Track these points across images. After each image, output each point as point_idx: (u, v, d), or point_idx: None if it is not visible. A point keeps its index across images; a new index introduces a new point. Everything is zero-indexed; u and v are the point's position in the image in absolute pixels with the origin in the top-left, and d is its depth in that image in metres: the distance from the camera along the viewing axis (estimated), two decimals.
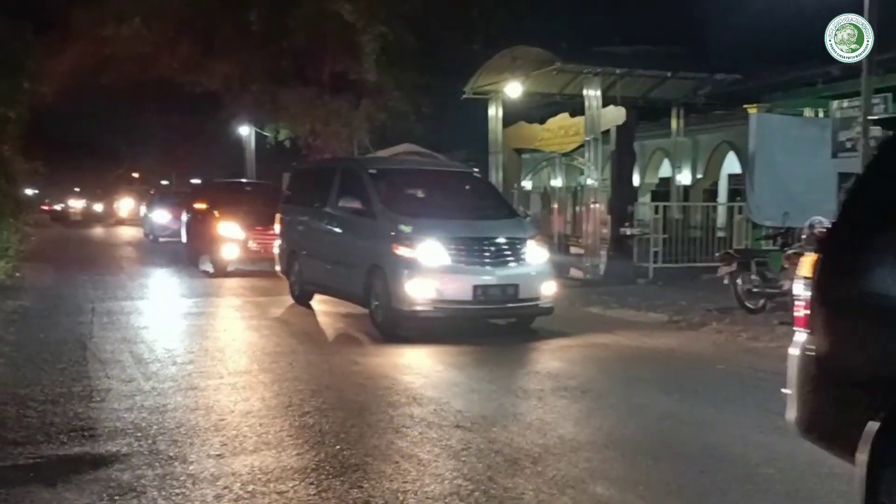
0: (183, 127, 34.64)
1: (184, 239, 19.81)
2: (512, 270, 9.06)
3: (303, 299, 11.57)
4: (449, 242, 8.93)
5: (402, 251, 8.92)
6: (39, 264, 16.33)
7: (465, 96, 17.41)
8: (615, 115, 15.02)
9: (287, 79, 23.39)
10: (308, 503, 4.25)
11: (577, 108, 16.30)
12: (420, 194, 10.59)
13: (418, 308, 8.75)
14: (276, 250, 12.62)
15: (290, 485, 4.48)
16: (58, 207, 52.16)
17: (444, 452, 5.08)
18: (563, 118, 16.93)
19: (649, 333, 9.72)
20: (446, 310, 8.87)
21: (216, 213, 16.05)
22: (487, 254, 9.05)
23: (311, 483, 4.50)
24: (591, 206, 15.18)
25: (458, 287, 8.80)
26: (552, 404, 6.33)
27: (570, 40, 17.11)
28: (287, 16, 20.97)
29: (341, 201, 10.19)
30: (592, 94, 15.11)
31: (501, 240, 9.26)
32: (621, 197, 14.72)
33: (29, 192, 26.88)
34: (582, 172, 17.10)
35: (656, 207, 15.97)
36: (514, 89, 16.35)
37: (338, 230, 10.44)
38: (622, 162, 14.86)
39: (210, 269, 16.06)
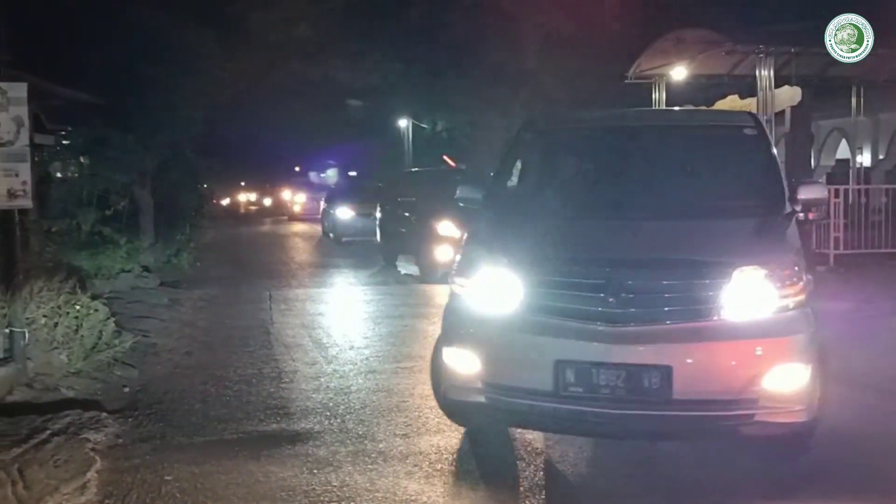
0: (343, 120, 35.67)
1: (378, 238, 16.50)
2: (667, 332, 4.17)
3: None
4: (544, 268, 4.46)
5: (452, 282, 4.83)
6: (216, 255, 17.26)
7: (626, 81, 17.03)
8: (790, 96, 14.26)
9: (445, 71, 23.70)
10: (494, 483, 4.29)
11: (746, 89, 15.59)
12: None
13: (454, 397, 4.64)
14: None
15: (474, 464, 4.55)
16: (224, 202, 51.25)
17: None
18: (732, 100, 16.22)
19: (835, 322, 9.14)
20: (510, 405, 4.40)
21: (425, 206, 13.29)
22: (615, 296, 4.20)
23: None
24: None
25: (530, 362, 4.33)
26: None
27: (735, 18, 16.39)
28: (447, 10, 21.23)
29: None
30: (765, 75, 14.36)
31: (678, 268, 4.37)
32: (798, 180, 13.99)
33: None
34: None
35: (836, 191, 15.05)
36: (679, 72, 15.85)
37: None
38: (798, 144, 14.11)
39: (415, 271, 13.73)
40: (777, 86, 14.40)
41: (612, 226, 4.79)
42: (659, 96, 17.25)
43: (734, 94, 16.38)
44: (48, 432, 5.07)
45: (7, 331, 6.07)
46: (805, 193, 4.82)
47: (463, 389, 4.47)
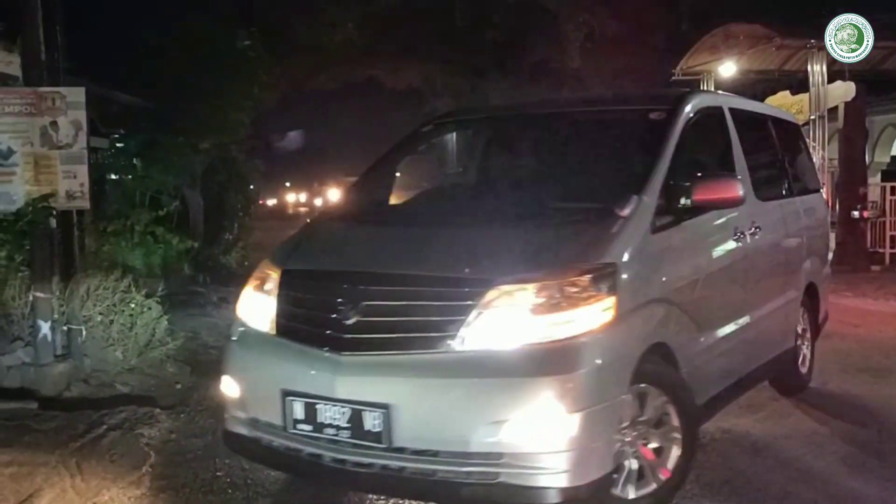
0: (386, 122, 35.85)
1: None
2: (394, 363, 3.46)
3: None
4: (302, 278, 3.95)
5: None
6: (263, 255, 17.44)
7: (674, 78, 16.85)
8: (843, 91, 13.98)
9: (487, 71, 23.68)
10: None
11: (797, 84, 15.33)
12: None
13: (226, 426, 4.05)
14: None
15: None
16: (270, 203, 51.58)
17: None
18: (782, 96, 15.96)
19: (891, 323, 8.97)
20: (256, 439, 3.83)
21: None
22: (347, 317, 3.55)
23: None
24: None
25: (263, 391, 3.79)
26: (786, 400, 5.97)
27: (784, 12, 16.12)
28: (490, 11, 21.24)
29: None
30: (817, 70, 14.12)
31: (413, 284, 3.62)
32: (851, 178, 13.70)
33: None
34: None
35: (892, 188, 14.71)
36: (728, 68, 15.64)
37: None
38: (852, 140, 13.84)
39: None
40: (830, 81, 14.14)
41: (402, 234, 4.07)
42: None
43: (785, 89, 16.13)
44: (104, 427, 5.21)
45: (65, 328, 6.24)
46: (702, 193, 3.97)
47: (230, 418, 3.91)
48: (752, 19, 14.93)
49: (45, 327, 6.08)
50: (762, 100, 17.41)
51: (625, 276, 3.52)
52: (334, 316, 3.50)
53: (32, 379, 5.97)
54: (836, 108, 14.18)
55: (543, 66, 22.76)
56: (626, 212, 3.70)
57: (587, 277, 3.39)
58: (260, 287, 3.96)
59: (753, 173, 5.01)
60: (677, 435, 3.78)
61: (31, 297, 6.16)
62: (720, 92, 5.61)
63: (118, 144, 10.35)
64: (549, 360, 3.25)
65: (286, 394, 3.54)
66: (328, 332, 3.51)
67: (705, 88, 16.87)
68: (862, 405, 5.79)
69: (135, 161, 9.38)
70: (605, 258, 3.51)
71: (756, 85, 17.62)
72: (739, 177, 4.32)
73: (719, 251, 4.50)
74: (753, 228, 4.82)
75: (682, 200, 3.98)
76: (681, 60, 16.59)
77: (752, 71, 16.53)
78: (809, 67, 14.21)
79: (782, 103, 16.01)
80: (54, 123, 6.24)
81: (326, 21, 21.43)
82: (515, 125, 5.27)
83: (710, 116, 4.82)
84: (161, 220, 9.40)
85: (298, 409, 3.51)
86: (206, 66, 10.88)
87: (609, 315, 3.38)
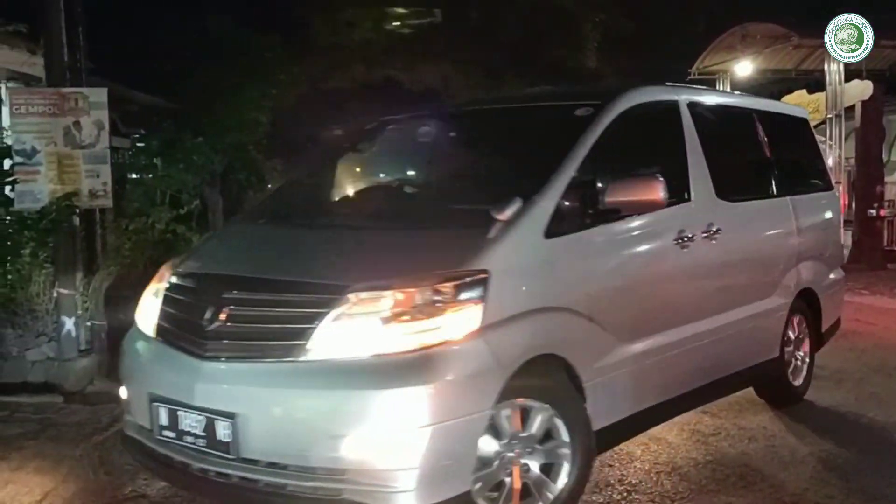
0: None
1: None
2: (247, 372, 3.34)
3: None
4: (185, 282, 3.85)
5: None
6: None
7: (690, 77, 16.84)
8: (860, 90, 13.93)
9: (503, 71, 23.70)
10: None
11: (814, 84, 15.27)
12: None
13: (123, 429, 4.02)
14: None
15: None
16: None
17: (693, 436, 4.99)
18: (799, 95, 15.91)
19: None
20: (133, 442, 3.80)
21: None
22: (211, 321, 3.44)
23: None
24: (834, 185, 14.17)
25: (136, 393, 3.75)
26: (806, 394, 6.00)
27: (798, 12, 16.09)
28: (506, 11, 21.27)
29: None
30: (834, 69, 14.07)
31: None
32: (868, 176, 13.66)
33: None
34: None
35: None
36: (744, 68, 15.64)
37: None
38: (869, 139, 13.78)
39: None
40: (847, 80, 14.09)
41: (284, 236, 4.04)
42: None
43: (802, 89, 16.08)
44: None
45: (89, 324, 6.35)
46: (617, 194, 3.75)
47: (125, 420, 3.86)
48: (768, 19, 14.89)
49: (68, 323, 6.19)
50: (778, 99, 17.49)
51: (500, 283, 3.30)
52: (199, 321, 3.40)
53: (56, 374, 6.09)
54: (853, 106, 14.12)
55: (560, 66, 22.76)
56: (504, 215, 3.43)
57: (449, 285, 3.18)
58: (154, 288, 3.88)
59: (719, 172, 4.68)
60: (567, 451, 3.53)
61: (55, 294, 6.28)
62: (679, 85, 5.24)
63: (139, 144, 10.46)
64: (397, 372, 3.06)
65: (153, 399, 3.47)
66: (193, 336, 3.42)
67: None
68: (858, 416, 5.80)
69: (155, 160, 9.47)
70: (475, 265, 3.29)
71: (773, 84, 17.58)
72: (660, 177, 3.81)
73: (649, 256, 4.18)
74: (710, 231, 4.50)
75: (594, 203, 3.75)
76: (697, 60, 16.56)
77: (768, 70, 16.50)
78: (826, 66, 14.16)
79: (799, 102, 15.97)
80: (77, 123, 6.35)
81: (345, 21, 21.56)
82: (443, 124, 5.02)
83: (658, 112, 4.57)
84: (181, 218, 9.48)
85: (163, 415, 3.42)
86: (225, 66, 10.98)
87: (473, 325, 3.18)
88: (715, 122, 4.99)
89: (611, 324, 3.83)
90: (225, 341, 3.33)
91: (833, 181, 6.85)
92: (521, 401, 3.42)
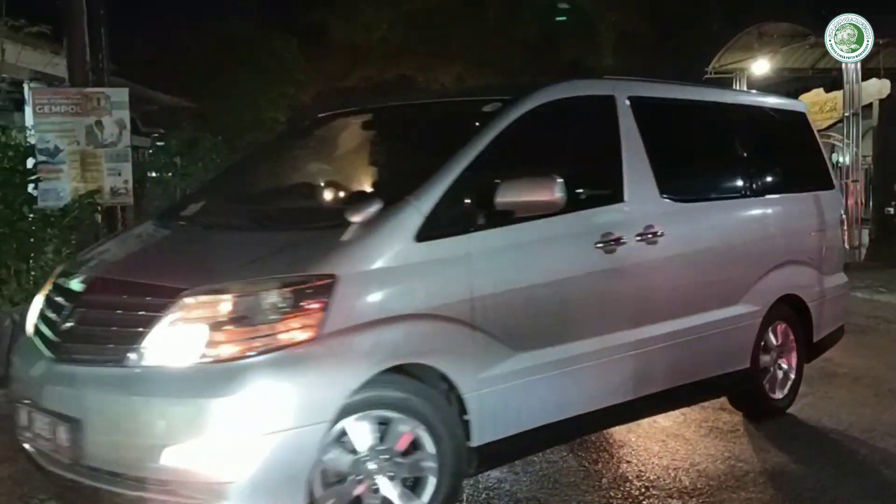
0: None
1: None
2: (88, 375, 3.18)
3: None
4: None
5: None
6: None
7: (706, 76, 16.83)
8: (877, 88, 13.91)
9: (520, 71, 23.73)
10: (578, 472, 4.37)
11: (831, 82, 15.22)
12: None
13: None
14: None
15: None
16: None
17: (711, 433, 5.01)
18: (816, 94, 15.90)
19: None
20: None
21: None
22: (66, 321, 3.38)
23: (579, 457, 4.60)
24: (851, 184, 14.14)
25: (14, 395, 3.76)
26: (822, 390, 5.98)
27: (814, 10, 16.05)
28: (522, 10, 21.32)
29: None
30: (851, 67, 14.02)
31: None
32: (885, 175, 13.59)
33: None
34: (834, 150, 15.95)
35: None
36: (761, 66, 15.62)
37: None
38: (886, 137, 13.72)
39: None
40: (864, 78, 14.04)
41: (155, 235, 3.95)
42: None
43: (819, 87, 16.04)
44: None
45: None
46: (507, 195, 3.51)
47: None
48: (785, 17, 14.86)
49: None
50: (795, 97, 17.43)
51: (352, 288, 3.13)
52: (57, 321, 3.33)
53: None
54: (870, 105, 14.07)
55: (576, 66, 22.79)
56: (360, 217, 3.24)
57: (289, 290, 3.02)
58: (44, 287, 3.78)
59: (668, 171, 4.40)
60: (432, 464, 3.33)
61: None
62: (621, 78, 4.73)
63: (159, 143, 10.58)
64: (220, 380, 2.90)
65: (18, 398, 3.41)
66: (51, 337, 3.34)
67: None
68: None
69: (175, 159, 9.59)
70: (321, 268, 3.12)
71: (789, 83, 17.55)
72: (559, 178, 3.55)
73: (556, 261, 3.84)
74: (648, 233, 4.18)
75: (486, 204, 3.51)
76: (713, 59, 16.56)
77: (785, 69, 16.47)
78: (843, 65, 14.11)
79: (816, 101, 15.96)
80: (99, 123, 6.45)
81: (362, 21, 21.67)
82: (363, 122, 4.82)
83: (586, 107, 4.31)
84: None
85: (23, 416, 3.33)
86: (245, 67, 11.09)
87: (314, 332, 3.01)
88: (669, 118, 4.72)
89: (503, 332, 3.57)
90: (74, 343, 3.22)
91: (836, 180, 6.22)
92: (379, 412, 3.22)
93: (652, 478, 4.28)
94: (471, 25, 22.96)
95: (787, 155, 5.61)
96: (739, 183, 5.09)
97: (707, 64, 16.73)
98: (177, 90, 11.54)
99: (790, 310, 5.27)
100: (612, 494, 4.07)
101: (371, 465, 3.22)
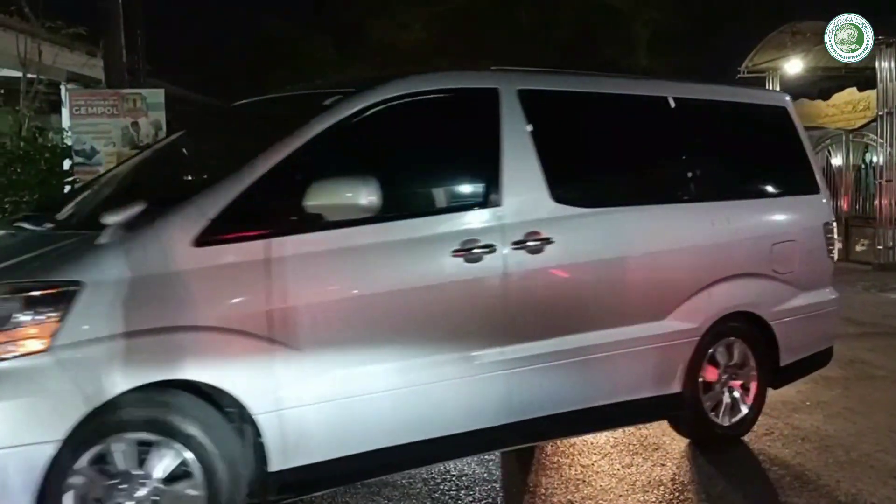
0: None
1: None
2: None
3: None
4: None
5: None
6: None
7: (739, 76, 16.67)
8: None
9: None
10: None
11: (864, 81, 15.02)
12: None
13: None
14: None
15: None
16: None
17: (745, 436, 4.96)
18: (849, 93, 15.73)
19: None
20: None
21: None
22: None
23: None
24: (885, 184, 13.95)
25: None
26: (859, 393, 5.92)
27: (848, 9, 15.86)
28: (556, 9, 21.30)
29: None
30: (885, 66, 13.83)
31: None
32: None
33: None
34: (867, 149, 15.73)
35: None
36: (794, 65, 15.45)
37: None
38: None
39: None
40: None
41: (8, 235, 3.65)
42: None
43: (852, 86, 15.83)
44: None
45: None
46: (315, 198, 3.19)
47: None
48: (819, 16, 14.69)
49: None
50: (828, 97, 17.25)
51: (103, 296, 2.88)
52: None
53: None
54: None
55: (611, 65, 22.70)
56: (117, 219, 2.97)
57: (17, 297, 2.82)
58: None
59: (568, 173, 4.04)
60: (200, 493, 3.02)
61: None
62: (512, 69, 4.22)
63: None
64: None
65: None
66: None
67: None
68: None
69: None
70: (65, 274, 2.87)
71: (823, 82, 17.35)
72: (371, 180, 3.23)
73: (391, 270, 3.44)
74: (529, 241, 3.73)
75: (297, 206, 3.19)
76: (746, 58, 16.44)
77: (818, 68, 16.26)
78: (877, 64, 13.92)
79: (849, 100, 15.79)
80: (135, 124, 6.54)
81: (397, 22, 21.77)
82: (226, 117, 4.56)
83: (457, 101, 3.88)
84: None
85: None
86: (280, 67, 11.17)
87: (42, 343, 2.77)
88: (574, 114, 4.27)
89: (314, 348, 3.23)
90: None
91: (822, 183, 5.28)
92: (136, 435, 2.94)
93: (685, 481, 4.25)
94: (505, 25, 22.97)
95: (748, 155, 4.99)
96: (669, 187, 4.54)
97: (741, 62, 16.61)
98: (212, 90, 11.65)
99: (750, 327, 4.70)
100: (647, 498, 4.03)
101: (132, 492, 2.93)
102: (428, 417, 3.55)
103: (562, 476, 4.29)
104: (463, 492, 4.06)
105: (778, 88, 16.75)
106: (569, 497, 4.01)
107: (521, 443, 4.05)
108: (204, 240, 3.05)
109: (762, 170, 5.07)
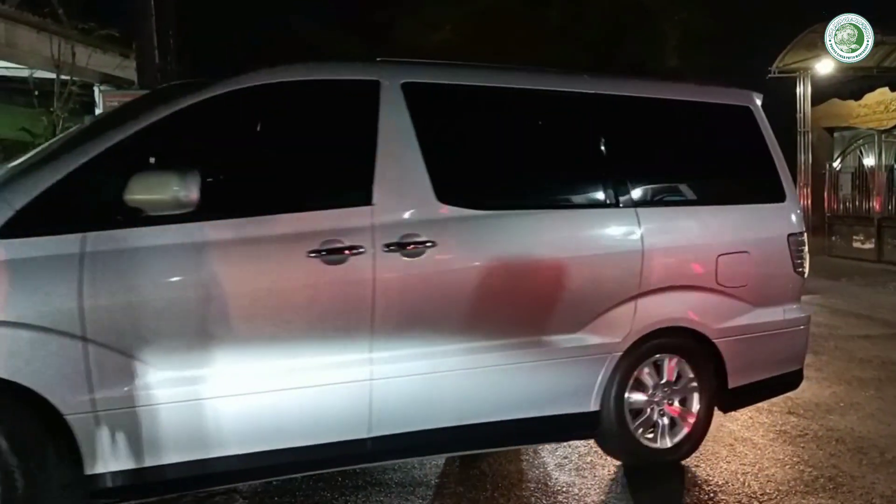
0: None
1: None
2: None
3: None
4: None
5: None
6: None
7: (770, 76, 16.53)
8: None
9: (583, 70, 23.57)
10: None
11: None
12: None
13: None
14: None
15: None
16: None
17: (779, 437, 4.92)
18: (881, 93, 15.54)
19: None
20: None
21: None
22: None
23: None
24: None
25: None
26: (892, 394, 5.85)
27: (883, 9, 15.68)
28: (585, 9, 21.24)
29: None
30: None
31: None
32: None
33: None
34: None
35: None
36: (825, 65, 15.27)
37: None
38: None
39: None
40: None
41: None
42: (804, 90, 16.67)
43: (884, 86, 15.65)
44: None
45: None
46: (134, 191, 3.05)
47: None
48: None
49: None
50: (860, 97, 17.03)
51: None
52: None
53: None
54: None
55: (641, 66, 22.59)
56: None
57: None
58: None
59: (453, 172, 3.76)
60: None
61: None
62: (399, 61, 3.90)
63: None
64: None
65: None
66: None
67: (802, 86, 16.47)
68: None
69: None
70: None
71: (854, 82, 17.16)
72: (194, 174, 3.07)
73: (223, 269, 3.22)
74: (408, 243, 3.51)
75: (115, 200, 3.04)
76: (777, 58, 16.30)
77: (850, 68, 16.06)
78: None
79: (881, 100, 15.59)
80: None
81: (426, 21, 21.83)
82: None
83: (328, 94, 3.64)
84: None
85: None
86: None
87: None
88: (469, 111, 3.99)
89: (136, 348, 3.09)
90: None
91: (790, 191, 4.68)
92: None
93: (720, 482, 4.22)
94: (533, 25, 22.94)
95: (692, 159, 4.55)
96: (582, 191, 4.20)
97: (772, 62, 16.46)
98: None
99: (692, 345, 4.32)
100: (684, 501, 4.01)
101: None
102: (269, 427, 3.35)
103: (595, 476, 4.29)
104: (496, 492, 4.06)
105: (809, 89, 16.61)
106: (603, 498, 4.01)
107: (386, 458, 3.79)
108: (8, 231, 2.93)
109: (710, 175, 4.58)
